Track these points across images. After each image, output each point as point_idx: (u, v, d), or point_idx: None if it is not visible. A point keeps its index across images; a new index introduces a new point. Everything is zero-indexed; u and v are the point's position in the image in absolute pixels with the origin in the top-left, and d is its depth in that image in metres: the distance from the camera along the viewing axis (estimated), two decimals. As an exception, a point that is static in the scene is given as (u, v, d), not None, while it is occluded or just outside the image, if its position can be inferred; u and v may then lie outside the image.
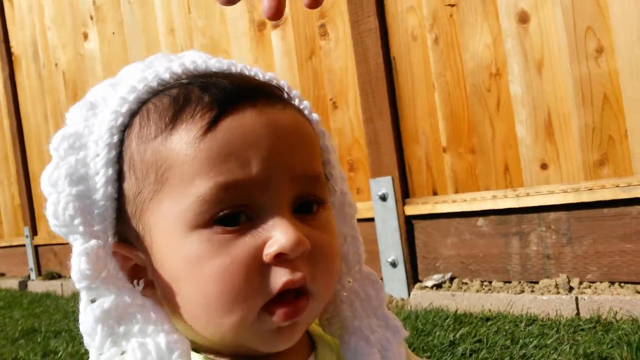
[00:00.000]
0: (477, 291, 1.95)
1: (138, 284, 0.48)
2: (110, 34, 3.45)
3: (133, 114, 0.49)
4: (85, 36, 3.65)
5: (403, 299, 2.15)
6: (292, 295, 0.46)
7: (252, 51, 2.69)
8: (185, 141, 0.46)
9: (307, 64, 2.49)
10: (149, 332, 0.46)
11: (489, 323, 1.75)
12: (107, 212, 0.48)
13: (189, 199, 0.45)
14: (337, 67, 2.39)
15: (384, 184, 2.22)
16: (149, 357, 0.45)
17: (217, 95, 0.47)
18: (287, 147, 0.48)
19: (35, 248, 4.31)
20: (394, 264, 2.21)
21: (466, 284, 2.04)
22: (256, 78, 0.54)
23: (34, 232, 4.34)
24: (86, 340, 0.47)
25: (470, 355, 1.49)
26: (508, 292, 1.88)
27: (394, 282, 2.21)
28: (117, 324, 0.46)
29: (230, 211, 0.45)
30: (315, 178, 0.50)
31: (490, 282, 2.00)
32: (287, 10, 2.20)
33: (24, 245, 4.43)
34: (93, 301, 0.46)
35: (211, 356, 0.50)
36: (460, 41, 2.02)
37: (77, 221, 0.47)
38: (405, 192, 2.22)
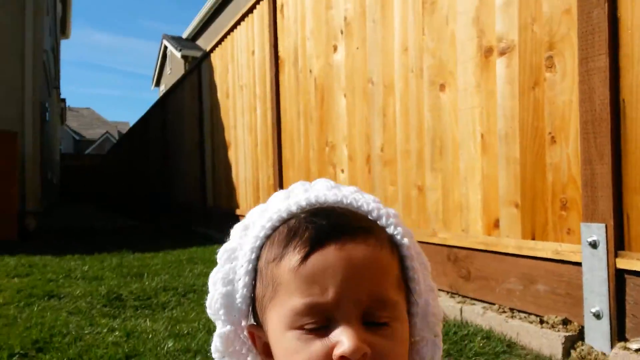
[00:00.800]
0: (687, 370, 1.76)
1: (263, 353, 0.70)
2: (354, 48, 3.84)
3: (267, 237, 0.70)
4: (335, 48, 4.12)
5: (604, 354, 2.04)
6: None
7: (475, 75, 2.75)
8: (288, 268, 0.65)
9: (529, 94, 2.46)
10: None
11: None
12: (243, 307, 0.70)
13: (287, 309, 0.64)
14: (560, 101, 2.31)
15: (596, 231, 2.10)
16: None
17: (312, 234, 0.65)
18: (357, 276, 0.63)
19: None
20: (598, 316, 2.10)
21: (677, 358, 1.84)
22: (358, 211, 0.70)
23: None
24: None
25: None
26: None
27: (596, 334, 2.10)
28: None
29: (313, 325, 0.63)
30: (380, 300, 0.64)
31: None
32: (515, 38, 2.22)
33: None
34: None
35: None
36: None
37: (221, 312, 0.71)
38: (619, 243, 2.07)
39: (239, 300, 0.70)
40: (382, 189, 3.63)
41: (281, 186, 5.17)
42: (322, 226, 0.65)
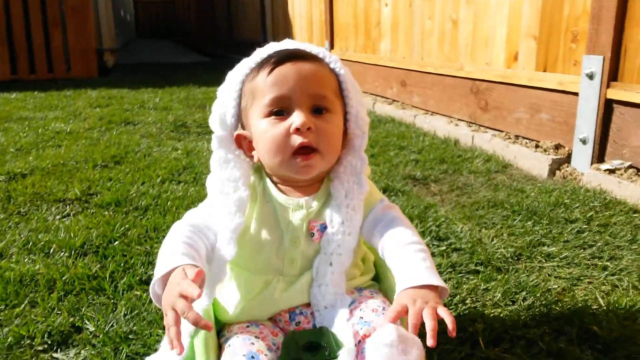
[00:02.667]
0: (643, 185, 2.01)
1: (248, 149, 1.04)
2: None
3: (251, 70, 1.00)
4: None
5: (582, 174, 2.30)
6: (307, 150, 0.94)
7: None
8: (260, 80, 0.96)
9: None
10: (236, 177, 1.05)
11: (632, 215, 1.87)
12: (231, 119, 1.02)
13: (261, 105, 0.96)
14: None
15: (595, 63, 2.23)
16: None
17: (275, 58, 0.97)
18: (306, 80, 0.95)
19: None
20: (584, 141, 2.32)
21: (639, 175, 2.09)
22: (306, 50, 1.00)
23: (332, 46, 5.31)
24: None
25: (582, 232, 1.73)
26: (673, 195, 1.90)
27: (581, 157, 2.34)
28: (225, 162, 1.05)
29: (277, 109, 0.95)
30: (321, 97, 0.96)
31: (663, 181, 2.01)
32: None
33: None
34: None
35: (275, 179, 1.03)
36: None
37: (215, 125, 1.06)
38: (614, 75, 2.20)
39: (229, 114, 1.01)
40: (420, 23, 3.72)
41: (332, 22, 5.28)
42: (282, 53, 0.98)
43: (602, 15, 2.19)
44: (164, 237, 1.69)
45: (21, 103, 4.82)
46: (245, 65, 1.01)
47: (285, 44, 1.03)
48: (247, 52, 1.04)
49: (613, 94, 2.19)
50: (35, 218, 1.96)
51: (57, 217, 1.98)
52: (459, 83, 3.30)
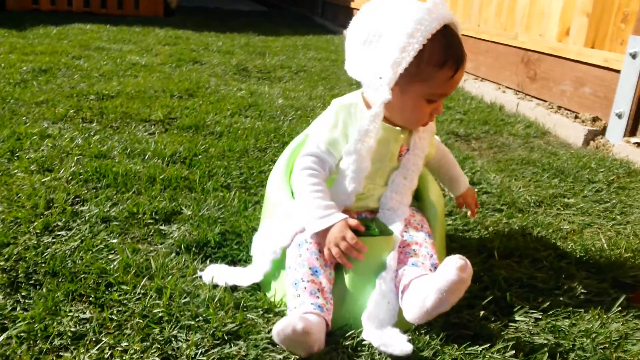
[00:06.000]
0: (667, 159, 2.20)
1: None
2: None
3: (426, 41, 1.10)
4: None
5: (613, 145, 2.49)
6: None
7: None
8: (443, 76, 1.12)
9: None
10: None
11: (651, 184, 2.08)
12: (404, 66, 1.11)
13: (429, 92, 1.14)
14: None
15: (639, 43, 2.39)
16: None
17: (456, 63, 1.12)
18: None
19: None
20: (620, 116, 2.50)
21: (667, 151, 2.27)
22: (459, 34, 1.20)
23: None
24: None
25: (601, 191, 1.96)
26: (692, 169, 2.09)
27: (615, 131, 2.53)
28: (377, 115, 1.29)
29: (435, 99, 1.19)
30: None
31: (686, 156, 2.20)
32: None
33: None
34: None
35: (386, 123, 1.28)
36: None
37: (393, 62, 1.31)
38: (657, 55, 2.35)
39: (404, 63, 1.10)
40: (480, -9, 3.85)
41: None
42: (459, 54, 1.14)
43: (653, -2, 2.33)
44: (239, 157, 2.01)
45: (96, 34, 5.19)
46: (423, 24, 1.09)
47: (443, 7, 1.12)
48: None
49: (654, 73, 2.35)
50: (127, 132, 2.31)
51: (145, 133, 2.32)
52: (511, 52, 3.46)
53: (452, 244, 1.48)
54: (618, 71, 2.54)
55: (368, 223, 1.18)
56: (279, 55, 4.91)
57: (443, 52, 1.11)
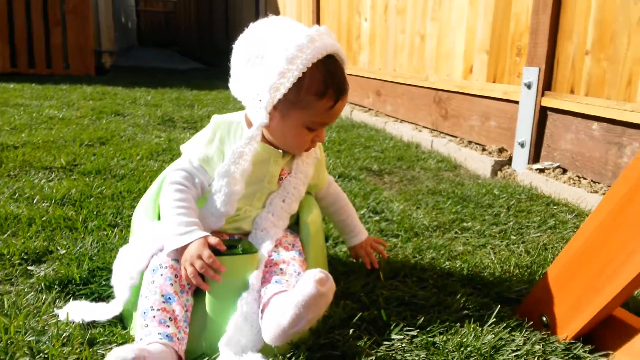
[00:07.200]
0: (564, 182, 2.27)
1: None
2: None
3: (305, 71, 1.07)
4: None
5: (518, 173, 2.56)
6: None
7: None
8: (323, 106, 1.10)
9: (508, -50, 2.70)
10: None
11: (550, 206, 2.13)
12: (283, 92, 1.08)
13: (309, 120, 1.12)
14: (527, -43, 2.57)
15: (532, 74, 2.51)
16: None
17: (336, 90, 1.10)
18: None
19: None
20: (522, 145, 2.59)
21: (564, 174, 2.35)
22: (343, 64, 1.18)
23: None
24: None
25: (500, 214, 1.98)
26: (586, 189, 2.17)
27: (519, 159, 2.61)
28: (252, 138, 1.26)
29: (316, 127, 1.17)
30: None
31: (581, 178, 2.28)
32: None
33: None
34: None
35: (267, 145, 1.25)
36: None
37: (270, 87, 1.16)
38: (548, 85, 2.48)
39: (283, 89, 1.07)
40: (394, 37, 4.01)
41: (320, 34, 5.58)
42: (340, 85, 1.12)
43: (539, 31, 2.48)
44: (135, 198, 1.94)
45: (19, 92, 5.06)
46: (304, 52, 1.06)
47: (328, 37, 1.12)
48: None
49: (547, 101, 2.47)
50: (24, 179, 2.20)
51: (43, 180, 2.22)
52: (424, 93, 3.58)
53: (340, 268, 1.44)
54: (517, 102, 2.65)
55: (233, 243, 1.13)
56: (209, 106, 4.91)
57: (323, 82, 1.09)
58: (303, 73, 1.07)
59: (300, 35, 1.08)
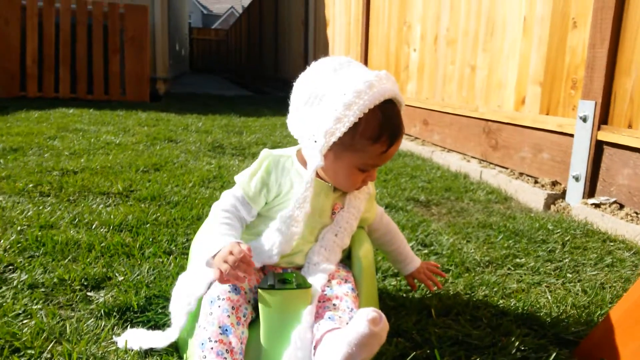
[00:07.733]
0: (622, 218, 2.18)
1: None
2: None
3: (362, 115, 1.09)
4: None
5: (572, 207, 2.49)
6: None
7: (523, -38, 2.96)
8: (376, 150, 1.12)
9: (562, -19, 2.68)
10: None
11: (607, 242, 2.05)
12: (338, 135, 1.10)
13: (362, 162, 1.15)
14: (583, -11, 2.54)
15: (588, 107, 2.45)
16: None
17: (391, 135, 1.12)
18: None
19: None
20: (577, 179, 2.52)
21: (622, 210, 2.26)
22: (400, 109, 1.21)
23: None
24: None
25: (554, 251, 1.92)
26: (647, 227, 2.08)
27: (574, 193, 2.54)
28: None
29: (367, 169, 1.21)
30: None
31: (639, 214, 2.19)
32: None
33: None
34: None
35: (318, 179, 1.27)
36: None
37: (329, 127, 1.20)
38: (604, 119, 2.41)
39: (338, 133, 1.09)
40: (443, 68, 4.01)
41: (366, 64, 5.64)
42: (395, 130, 1.14)
43: (595, 65, 2.42)
44: (189, 225, 1.99)
45: (77, 117, 5.32)
46: (362, 98, 1.08)
47: (382, 82, 1.12)
48: (289, 89, 1.20)
49: (603, 135, 2.40)
50: (82, 205, 2.29)
51: (101, 205, 2.31)
52: (473, 123, 3.54)
53: (390, 303, 1.43)
54: (572, 135, 2.59)
55: (287, 277, 1.14)
56: (257, 133, 5.00)
57: (378, 127, 1.11)
58: (359, 118, 1.08)
59: (359, 81, 1.09)
